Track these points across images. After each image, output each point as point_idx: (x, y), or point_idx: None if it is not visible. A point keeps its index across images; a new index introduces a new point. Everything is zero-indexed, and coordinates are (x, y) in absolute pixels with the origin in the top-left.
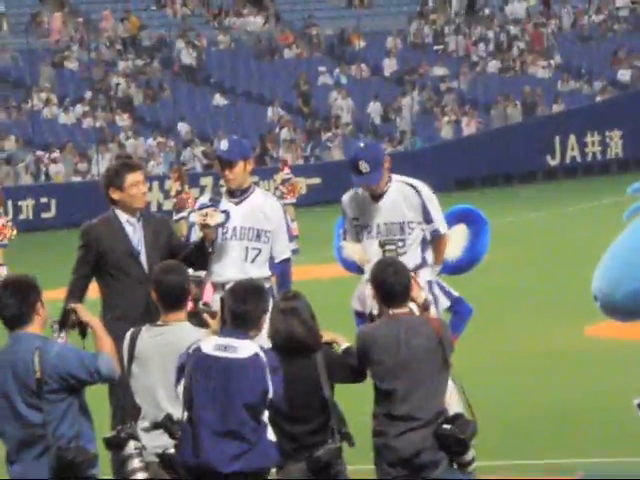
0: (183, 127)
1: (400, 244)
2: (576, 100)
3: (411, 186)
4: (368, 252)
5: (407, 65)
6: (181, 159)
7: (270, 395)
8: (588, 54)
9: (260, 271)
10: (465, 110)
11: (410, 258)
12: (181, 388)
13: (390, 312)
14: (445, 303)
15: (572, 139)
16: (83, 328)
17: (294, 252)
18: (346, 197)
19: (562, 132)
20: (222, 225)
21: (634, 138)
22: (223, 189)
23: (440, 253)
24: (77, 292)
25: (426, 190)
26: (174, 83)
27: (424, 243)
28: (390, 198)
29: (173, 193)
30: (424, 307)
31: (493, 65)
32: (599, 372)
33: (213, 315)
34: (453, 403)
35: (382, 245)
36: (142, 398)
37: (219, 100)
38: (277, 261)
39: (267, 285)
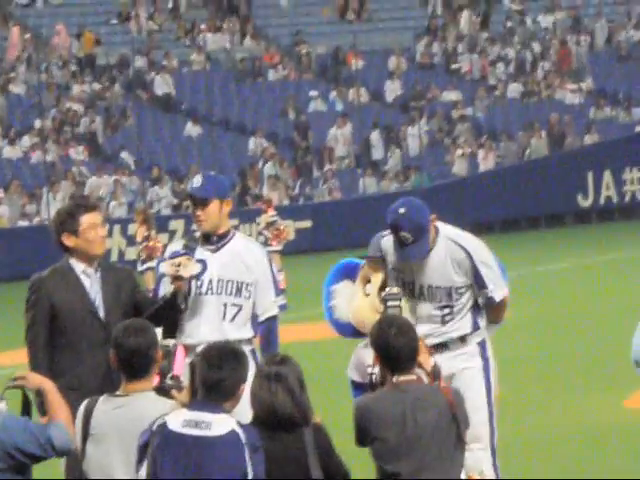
0: (150, 162)
1: (447, 311)
2: (612, 130)
3: (461, 247)
4: (412, 314)
5: (413, 89)
6: (147, 199)
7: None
8: (626, 76)
9: (240, 332)
10: (481, 142)
11: (457, 326)
12: (144, 471)
13: (394, 380)
14: (493, 362)
15: (607, 176)
16: (27, 406)
17: (282, 308)
18: (386, 241)
19: (596, 168)
20: (198, 277)
21: None
22: (197, 234)
23: (497, 315)
24: (44, 366)
25: (479, 250)
26: (139, 110)
27: (476, 307)
28: (436, 257)
29: (139, 239)
30: (434, 374)
31: (514, 89)
32: None
33: (181, 389)
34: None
35: (384, 300)
36: None
37: (192, 130)
38: (261, 319)
39: (249, 348)
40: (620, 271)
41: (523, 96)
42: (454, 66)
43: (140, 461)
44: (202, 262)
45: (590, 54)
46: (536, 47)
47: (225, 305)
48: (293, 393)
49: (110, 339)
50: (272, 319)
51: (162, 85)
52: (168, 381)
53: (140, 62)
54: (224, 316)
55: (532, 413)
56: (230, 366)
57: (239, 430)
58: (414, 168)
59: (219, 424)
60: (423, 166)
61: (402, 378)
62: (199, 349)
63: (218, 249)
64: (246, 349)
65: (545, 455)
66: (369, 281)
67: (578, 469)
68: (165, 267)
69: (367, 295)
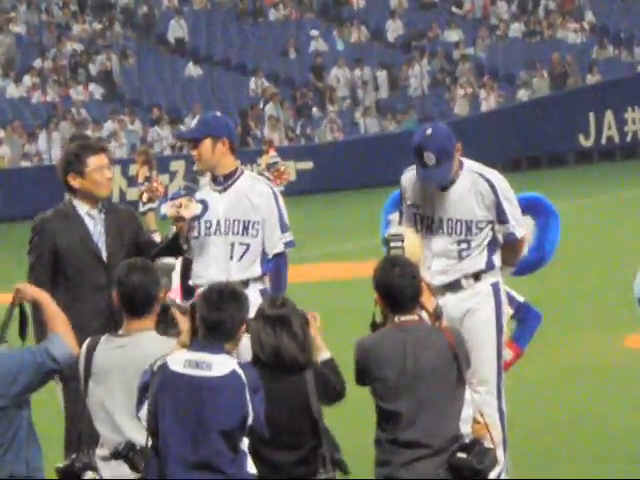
0: (150, 102)
1: (464, 246)
2: (614, 70)
3: (486, 180)
4: (425, 249)
5: (414, 28)
6: (148, 140)
7: (250, 420)
8: (628, 14)
9: (249, 270)
10: (483, 82)
11: (472, 262)
12: (144, 411)
13: (396, 320)
14: (508, 311)
15: (609, 116)
16: (23, 323)
17: (289, 245)
18: (407, 176)
19: (597, 108)
20: (198, 218)
21: None
22: (203, 176)
23: (514, 256)
24: None
25: (503, 185)
26: (139, 50)
27: (493, 244)
28: (459, 190)
29: (140, 180)
30: (436, 315)
31: (516, 28)
32: None
33: (184, 312)
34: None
35: (386, 241)
36: (100, 422)
37: (192, 70)
38: (269, 257)
39: (259, 286)
40: (622, 210)
41: (525, 36)
42: (455, 10)
43: (140, 401)
44: (203, 202)
45: None
46: None
47: (232, 245)
48: (297, 337)
49: (112, 281)
50: (279, 256)
51: (177, 29)
52: (169, 299)
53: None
54: (231, 256)
55: (531, 355)
56: (230, 307)
57: (239, 371)
58: (415, 108)
59: (220, 364)
60: (425, 106)
61: (403, 318)
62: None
63: (225, 189)
64: (256, 287)
65: (546, 396)
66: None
67: (578, 410)
68: (166, 208)
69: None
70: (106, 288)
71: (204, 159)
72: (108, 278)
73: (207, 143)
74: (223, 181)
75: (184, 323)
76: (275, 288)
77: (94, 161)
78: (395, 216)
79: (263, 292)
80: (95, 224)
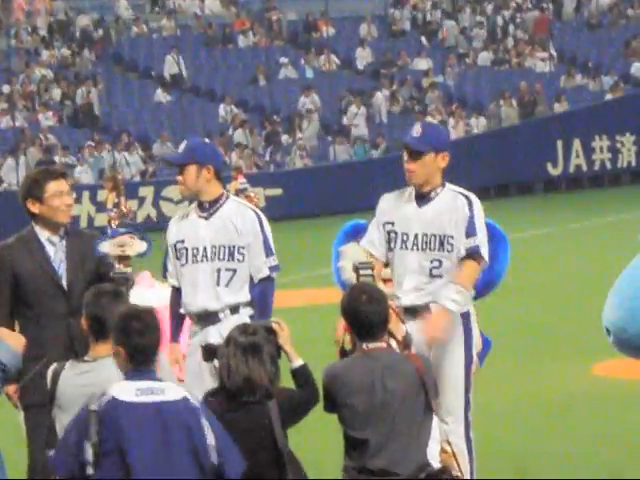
0: (119, 128)
1: (436, 264)
2: (582, 98)
3: (465, 196)
4: (399, 266)
5: (384, 56)
6: (117, 165)
7: (212, 444)
8: (596, 44)
9: (237, 296)
10: (452, 110)
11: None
12: (90, 452)
13: (364, 347)
14: (475, 335)
15: (577, 144)
16: None
17: (274, 269)
18: (387, 196)
19: (565, 136)
20: (144, 255)
21: None
22: (194, 203)
23: (468, 273)
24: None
25: (479, 207)
26: (109, 76)
27: None
28: (436, 206)
29: (109, 205)
30: (405, 343)
31: (484, 57)
32: (608, 416)
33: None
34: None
35: (356, 269)
36: None
37: (161, 96)
38: (255, 282)
39: (251, 312)
40: (591, 238)
41: (494, 64)
42: (424, 38)
43: (78, 442)
44: (146, 239)
45: (558, 22)
46: (507, 15)
47: (219, 270)
48: (267, 365)
49: (73, 309)
50: (264, 281)
51: (172, 66)
52: (115, 272)
53: (110, 28)
54: (218, 282)
55: (501, 381)
56: (153, 331)
57: (189, 396)
58: (383, 136)
59: (170, 389)
60: (394, 134)
61: (372, 345)
62: (199, 317)
63: (211, 215)
64: (246, 313)
65: (514, 424)
66: None
67: (547, 437)
68: (108, 247)
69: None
70: (66, 316)
71: (188, 185)
72: (68, 306)
73: (192, 169)
74: (208, 207)
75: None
76: (260, 313)
77: (53, 187)
78: (345, 247)
79: (253, 317)
80: (56, 250)
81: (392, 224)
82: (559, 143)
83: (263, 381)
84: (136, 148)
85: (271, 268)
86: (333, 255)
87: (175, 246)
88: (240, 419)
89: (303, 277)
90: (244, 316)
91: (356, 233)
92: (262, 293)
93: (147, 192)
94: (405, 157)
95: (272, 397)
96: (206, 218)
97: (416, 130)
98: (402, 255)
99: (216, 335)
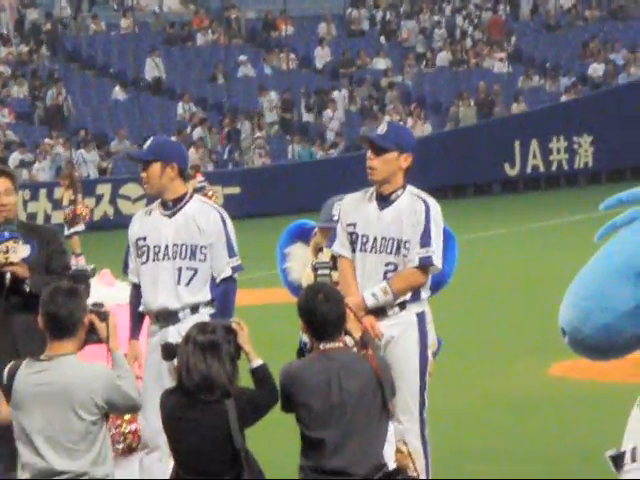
0: (77, 125)
1: (391, 267)
2: (539, 99)
3: (423, 201)
4: (360, 268)
5: (343, 56)
6: (74, 163)
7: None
8: (554, 45)
9: (197, 296)
10: (410, 110)
11: None
12: None
13: (321, 347)
14: (431, 336)
15: (534, 145)
16: None
17: (237, 269)
18: (350, 197)
19: (523, 137)
20: (29, 259)
21: (606, 145)
22: (157, 201)
23: (403, 281)
24: None
25: (437, 213)
26: (66, 73)
27: None
28: (396, 210)
29: (65, 203)
30: (362, 343)
31: (443, 57)
32: (564, 417)
33: (103, 319)
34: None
35: (314, 268)
36: (22, 445)
37: (119, 94)
38: (217, 282)
39: (209, 311)
40: (546, 239)
41: (452, 64)
42: (383, 38)
43: None
44: (30, 243)
45: (516, 23)
46: (466, 15)
47: (180, 269)
48: (226, 364)
49: (29, 302)
50: (226, 280)
51: (153, 69)
52: (91, 306)
53: (68, 25)
54: (179, 280)
55: (457, 381)
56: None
57: None
58: (342, 135)
59: None
60: (352, 133)
61: (329, 345)
62: (159, 315)
63: (174, 214)
64: (206, 312)
65: (470, 423)
66: (321, 249)
67: (502, 438)
68: None
69: (311, 266)
70: (6, 313)
71: (152, 182)
72: (7, 302)
73: (156, 167)
74: (172, 206)
75: (104, 330)
76: (221, 313)
77: None
78: (291, 248)
79: (213, 317)
80: None
81: (354, 226)
82: (516, 144)
83: (221, 380)
84: (94, 145)
85: (234, 268)
86: (278, 256)
87: (137, 243)
88: (197, 418)
89: (261, 276)
90: (204, 316)
91: (301, 233)
92: (224, 293)
93: (104, 190)
94: (368, 154)
95: (230, 396)
96: (169, 216)
97: (381, 128)
98: (362, 258)
99: (175, 334)
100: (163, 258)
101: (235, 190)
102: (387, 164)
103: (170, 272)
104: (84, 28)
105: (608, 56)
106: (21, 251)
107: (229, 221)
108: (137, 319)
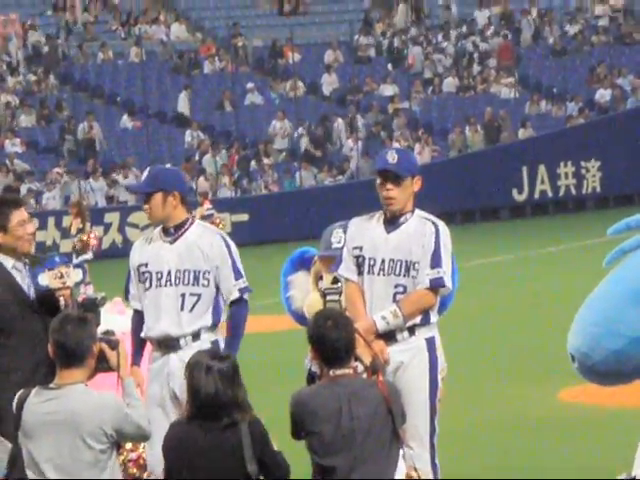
0: (85, 154)
1: (400, 289)
2: (547, 125)
3: (433, 223)
4: (368, 291)
5: (350, 82)
6: (82, 191)
7: None
8: (561, 71)
9: (200, 321)
10: (418, 135)
11: None
12: None
13: (330, 373)
14: (441, 361)
15: (542, 170)
16: None
17: (245, 291)
18: (356, 220)
19: (530, 162)
20: (81, 283)
21: (614, 170)
22: (158, 227)
23: (414, 303)
24: None
25: (446, 234)
26: (74, 102)
27: None
28: (405, 233)
29: (73, 231)
30: (373, 369)
31: (450, 83)
32: (574, 442)
33: (114, 347)
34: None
35: (323, 294)
36: (31, 473)
37: (127, 122)
38: (227, 304)
39: (213, 337)
40: (555, 264)
41: (459, 90)
42: (390, 65)
43: None
44: (81, 267)
45: (523, 49)
46: (472, 42)
47: (183, 295)
48: (233, 386)
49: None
50: (235, 303)
51: (185, 104)
52: (101, 335)
53: (76, 54)
54: (182, 306)
55: (467, 405)
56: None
57: None
58: (353, 160)
59: None
60: (360, 159)
61: (338, 372)
62: (162, 343)
63: (175, 240)
64: (207, 339)
65: (480, 449)
66: (321, 278)
67: (512, 463)
68: (48, 280)
69: (320, 291)
70: (44, 337)
71: (155, 213)
72: (45, 327)
73: (158, 197)
74: (173, 232)
75: (114, 358)
76: (231, 335)
77: (16, 216)
78: (294, 277)
79: (215, 344)
80: (22, 277)
81: (360, 249)
82: (524, 169)
83: (229, 397)
84: (101, 174)
85: (241, 290)
86: (282, 284)
87: (138, 269)
88: (209, 443)
89: (270, 303)
90: (206, 343)
91: (303, 261)
92: (233, 316)
93: (113, 218)
94: (381, 183)
95: (240, 421)
96: (171, 242)
97: (392, 156)
98: (370, 281)
99: (177, 362)
100: (165, 284)
101: (243, 217)
102: (404, 192)
103: (173, 298)
104: (92, 57)
105: (615, 81)
106: (74, 275)
107: (232, 244)
108: (139, 345)
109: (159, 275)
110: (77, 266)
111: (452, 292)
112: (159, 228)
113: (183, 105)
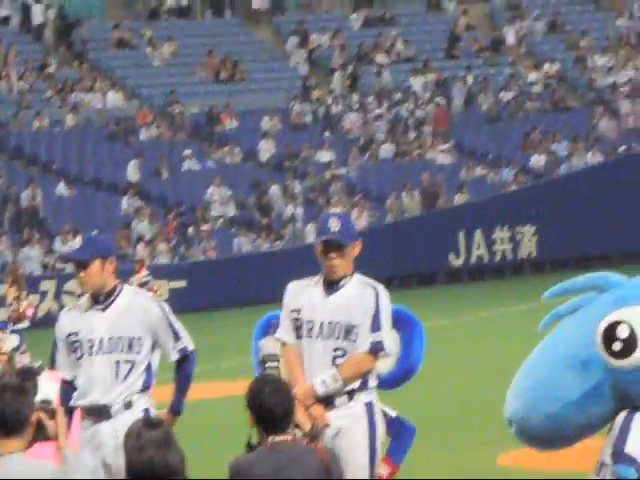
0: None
1: (339, 353)
2: (483, 190)
3: (373, 287)
4: (306, 354)
5: (287, 149)
6: (17, 259)
7: None
8: (496, 137)
9: (132, 387)
10: (355, 201)
11: None
12: None
13: (269, 440)
14: (380, 427)
15: (478, 235)
16: None
17: (182, 352)
18: (294, 283)
19: (467, 227)
20: (17, 349)
21: (549, 235)
22: (84, 296)
23: (353, 367)
24: None
25: (386, 299)
26: (9, 170)
27: None
28: (345, 295)
29: (9, 300)
30: (312, 435)
31: (387, 149)
32: None
33: (52, 416)
34: None
35: (262, 361)
36: None
37: (63, 190)
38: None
39: (144, 406)
40: (492, 329)
41: (396, 156)
42: (326, 132)
43: None
44: (18, 332)
45: (457, 115)
46: (407, 108)
47: (117, 363)
48: (167, 454)
49: None
50: (178, 363)
51: (135, 173)
52: (39, 404)
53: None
54: (117, 374)
55: (404, 472)
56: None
57: None
58: (292, 225)
59: None
60: (297, 225)
61: (277, 438)
62: (93, 410)
63: (107, 307)
64: (139, 407)
65: None
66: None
67: None
68: None
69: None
70: None
71: (94, 280)
72: None
73: (97, 264)
74: (104, 299)
75: (52, 427)
76: (177, 389)
77: None
78: (264, 341)
79: (146, 412)
80: None
81: (298, 311)
82: (461, 234)
83: (180, 469)
84: (38, 242)
85: (180, 351)
86: (253, 350)
87: (68, 338)
88: None
89: (207, 369)
90: (137, 412)
91: (269, 326)
92: (177, 372)
93: (49, 286)
94: (322, 251)
95: None
96: (102, 310)
97: (334, 224)
98: (309, 344)
99: (108, 431)
100: (98, 352)
101: (181, 284)
102: (346, 258)
103: (107, 367)
104: (27, 125)
105: (550, 147)
106: (11, 341)
107: (167, 306)
108: (68, 415)
109: (90, 344)
110: (14, 331)
111: (418, 359)
112: (87, 296)
113: (133, 173)
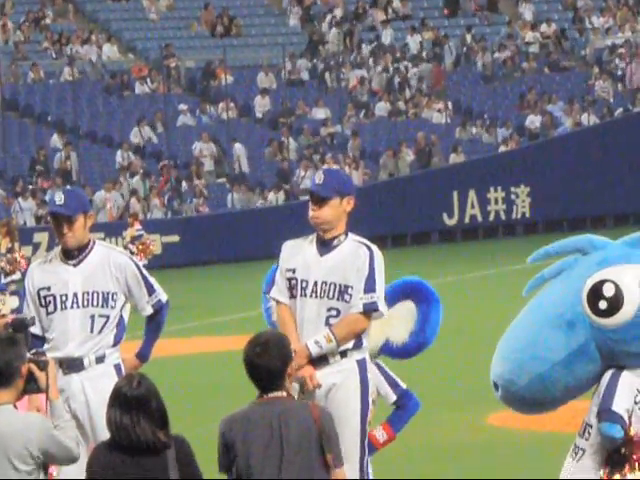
0: (14, 173)
1: (333, 313)
2: (477, 150)
3: (367, 247)
4: (299, 314)
5: (282, 105)
6: (11, 211)
7: None
8: (491, 97)
9: (104, 341)
10: (349, 159)
11: None
12: None
13: (263, 396)
14: (391, 397)
15: (472, 195)
16: None
17: (157, 306)
18: (289, 243)
19: (461, 187)
20: (19, 310)
21: (543, 195)
22: (56, 249)
23: (347, 327)
24: None
25: (380, 259)
26: (4, 121)
27: None
28: (338, 255)
29: (2, 251)
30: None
31: (382, 107)
32: (502, 465)
33: (43, 368)
34: None
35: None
36: None
37: (58, 141)
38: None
39: (115, 361)
40: (484, 289)
41: (391, 115)
42: (322, 88)
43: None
44: (17, 293)
45: (454, 75)
46: (404, 66)
47: (92, 317)
48: (154, 417)
49: None
50: (148, 318)
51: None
52: (30, 356)
53: (5, 72)
54: (92, 329)
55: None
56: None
57: None
58: (281, 183)
59: None
60: (292, 183)
61: (271, 395)
62: (68, 363)
63: (79, 262)
64: (110, 362)
65: (409, 472)
66: None
67: None
68: None
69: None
70: None
71: (78, 235)
72: None
73: (81, 219)
74: (77, 254)
75: (43, 379)
76: (148, 337)
77: None
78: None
79: (117, 368)
80: None
81: (293, 271)
82: (455, 194)
83: (149, 436)
84: (30, 193)
85: (153, 306)
86: (263, 297)
87: (39, 293)
88: (132, 472)
89: (199, 324)
90: (109, 366)
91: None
92: (148, 323)
93: (42, 238)
94: (311, 205)
95: (166, 448)
96: (75, 265)
97: (318, 177)
98: (302, 303)
99: (78, 384)
100: (72, 306)
101: (174, 239)
102: (330, 211)
103: (81, 320)
104: (22, 76)
105: (545, 108)
106: (11, 302)
107: (138, 260)
108: None
109: (63, 298)
110: (13, 293)
111: (434, 332)
112: (58, 250)
113: (134, 135)
